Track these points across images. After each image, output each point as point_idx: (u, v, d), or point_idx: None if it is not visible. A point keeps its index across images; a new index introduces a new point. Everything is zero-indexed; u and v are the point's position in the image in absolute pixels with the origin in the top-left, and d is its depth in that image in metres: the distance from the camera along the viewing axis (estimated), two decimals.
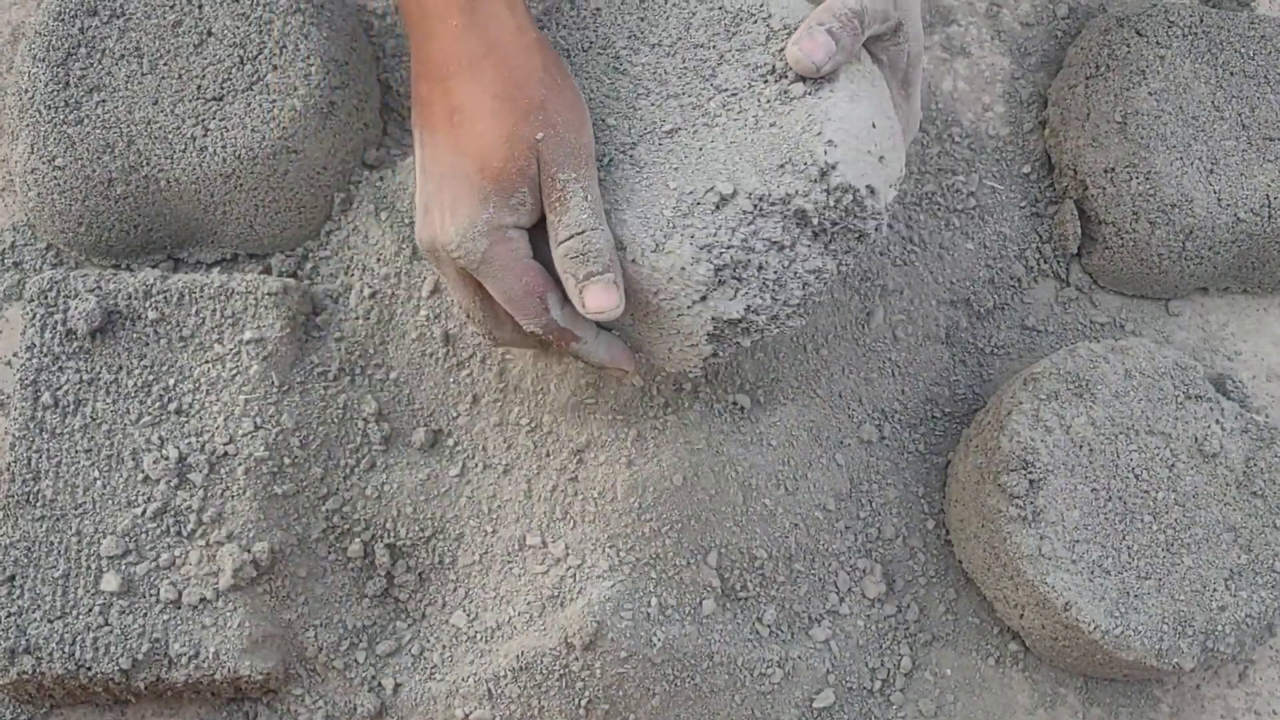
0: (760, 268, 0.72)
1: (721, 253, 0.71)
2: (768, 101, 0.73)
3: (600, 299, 0.71)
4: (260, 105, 0.92)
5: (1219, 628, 0.84)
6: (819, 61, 0.72)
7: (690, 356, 0.75)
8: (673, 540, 0.85)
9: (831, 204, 0.71)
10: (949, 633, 0.90)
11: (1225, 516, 0.87)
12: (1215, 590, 0.85)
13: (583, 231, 0.71)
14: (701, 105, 0.74)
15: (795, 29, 0.74)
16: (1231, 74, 1.01)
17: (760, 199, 0.71)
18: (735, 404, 0.89)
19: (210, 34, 0.93)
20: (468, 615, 0.85)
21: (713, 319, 0.72)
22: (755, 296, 0.72)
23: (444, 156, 0.73)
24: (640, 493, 0.85)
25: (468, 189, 0.72)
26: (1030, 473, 0.85)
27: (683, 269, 0.71)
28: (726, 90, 0.74)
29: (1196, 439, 0.88)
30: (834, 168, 0.71)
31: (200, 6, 0.94)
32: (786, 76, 0.74)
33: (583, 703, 0.81)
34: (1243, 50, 1.02)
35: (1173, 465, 0.87)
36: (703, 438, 0.86)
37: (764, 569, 0.87)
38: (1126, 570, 0.85)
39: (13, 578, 0.81)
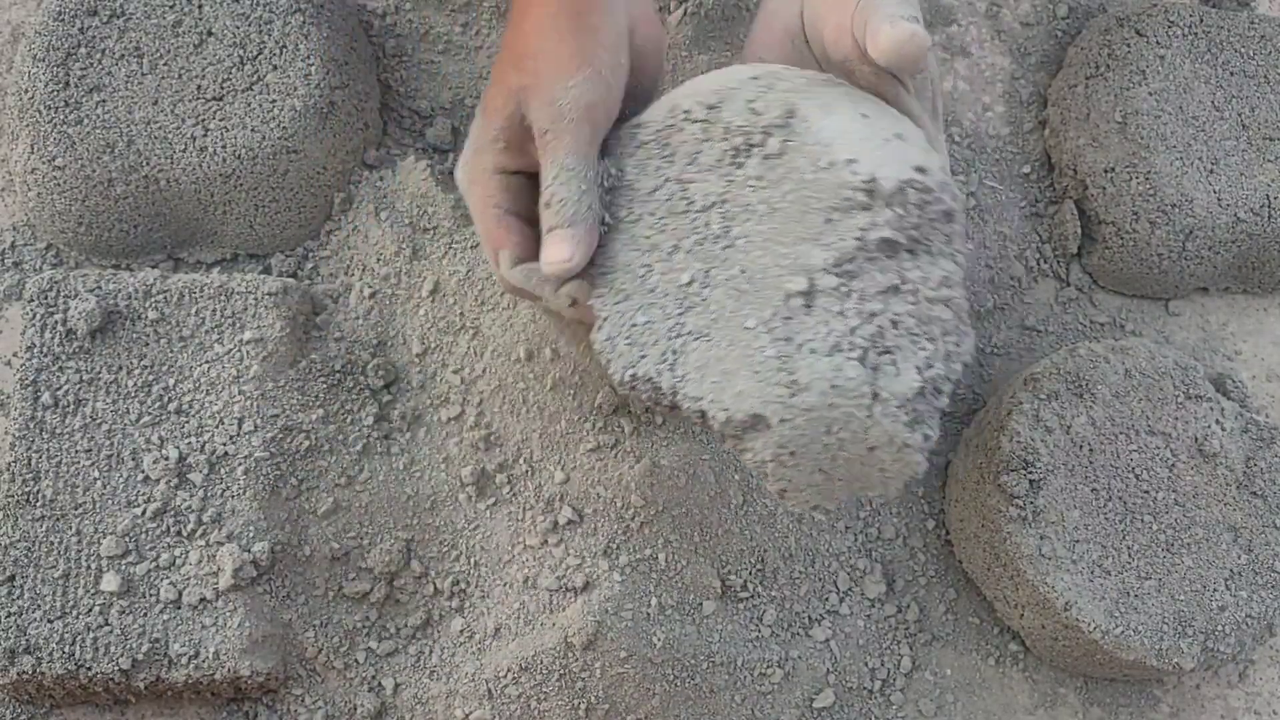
0: (895, 323, 0.61)
1: (852, 342, 0.60)
2: (757, 177, 0.65)
3: (551, 249, 0.67)
4: (260, 105, 0.92)
5: (1219, 628, 0.84)
6: (922, 44, 0.64)
7: (908, 460, 0.62)
8: (673, 540, 0.85)
9: (901, 211, 0.62)
10: (949, 633, 0.90)
11: (1225, 516, 0.87)
12: (1215, 590, 0.85)
13: (550, 184, 0.67)
14: (706, 235, 0.65)
15: (705, 104, 0.67)
16: (1231, 74, 1.01)
17: (839, 263, 0.61)
18: None
19: (210, 34, 0.93)
20: (467, 615, 0.85)
21: (898, 408, 0.60)
22: (915, 353, 0.61)
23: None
24: (640, 492, 0.85)
25: (472, 126, 0.73)
26: (1030, 473, 0.85)
27: (833, 387, 0.60)
28: (713, 204, 0.66)
29: (1196, 439, 0.88)
30: (874, 179, 0.62)
31: (200, 6, 0.94)
32: (753, 143, 0.65)
33: (583, 703, 0.81)
34: (1243, 50, 1.02)
35: (1173, 465, 0.87)
36: (704, 438, 0.86)
37: (764, 569, 0.87)
38: (1126, 570, 0.85)
39: (13, 578, 0.81)
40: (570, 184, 0.67)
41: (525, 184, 0.72)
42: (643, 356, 0.65)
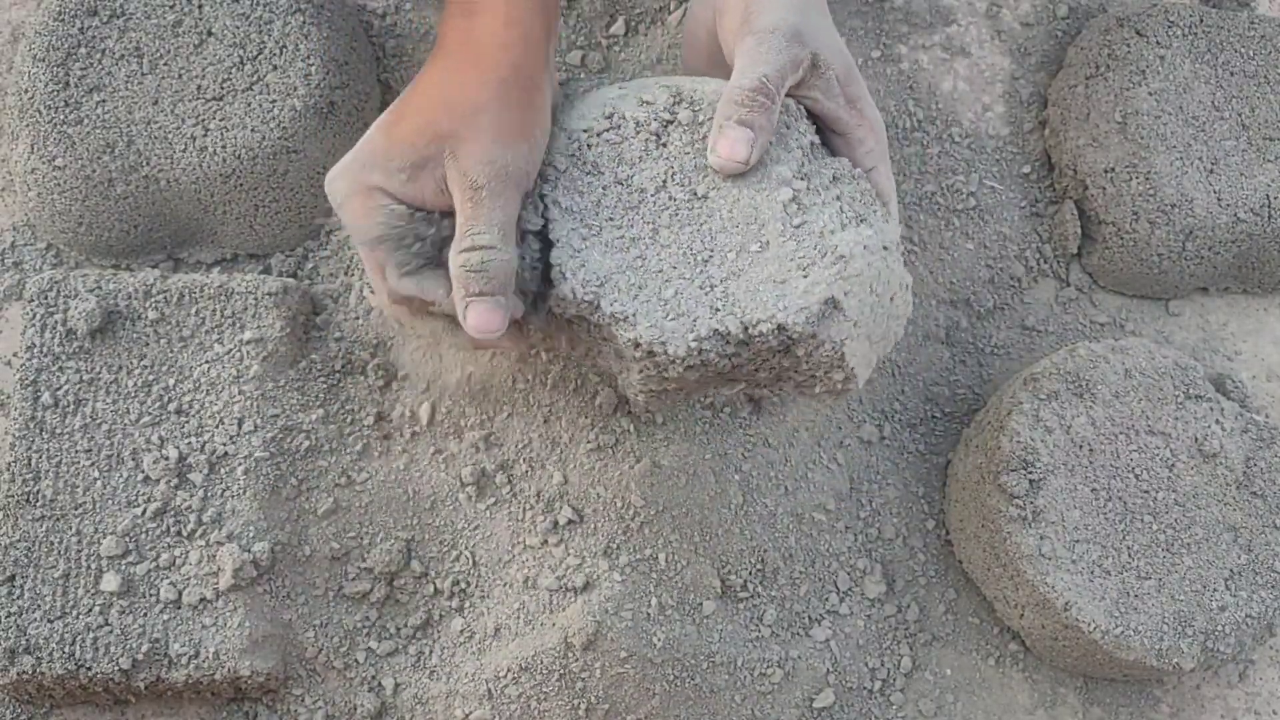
0: (851, 199, 0.72)
1: (846, 217, 0.71)
2: (688, 144, 0.73)
3: (483, 318, 0.69)
4: (260, 105, 0.92)
5: (1219, 628, 0.84)
6: (743, 158, 0.71)
7: (908, 300, 0.74)
8: (673, 540, 0.85)
9: (809, 122, 0.75)
10: (949, 633, 0.90)
11: (1225, 516, 0.87)
12: (1215, 590, 0.85)
13: (484, 248, 0.69)
14: (676, 206, 0.72)
15: (602, 116, 0.73)
16: (1231, 74, 1.01)
17: (799, 171, 0.72)
18: (737, 404, 0.89)
19: (210, 34, 0.93)
20: (467, 615, 0.85)
21: (898, 252, 0.72)
22: (876, 213, 0.72)
23: (383, 115, 0.75)
24: (640, 492, 0.85)
25: (367, 142, 0.73)
26: (1030, 473, 0.85)
27: (865, 249, 0.70)
28: (664, 183, 0.73)
29: (1196, 439, 0.88)
30: (785, 105, 0.74)
31: (200, 6, 0.94)
32: (667, 122, 0.74)
33: (583, 703, 0.81)
34: (1243, 50, 1.02)
35: (1173, 465, 0.87)
36: (704, 438, 0.86)
37: (764, 569, 0.87)
38: (1126, 570, 0.85)
39: (13, 578, 0.81)
40: (504, 248, 0.70)
41: (406, 211, 0.73)
42: (695, 319, 0.69)
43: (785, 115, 0.74)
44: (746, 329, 0.68)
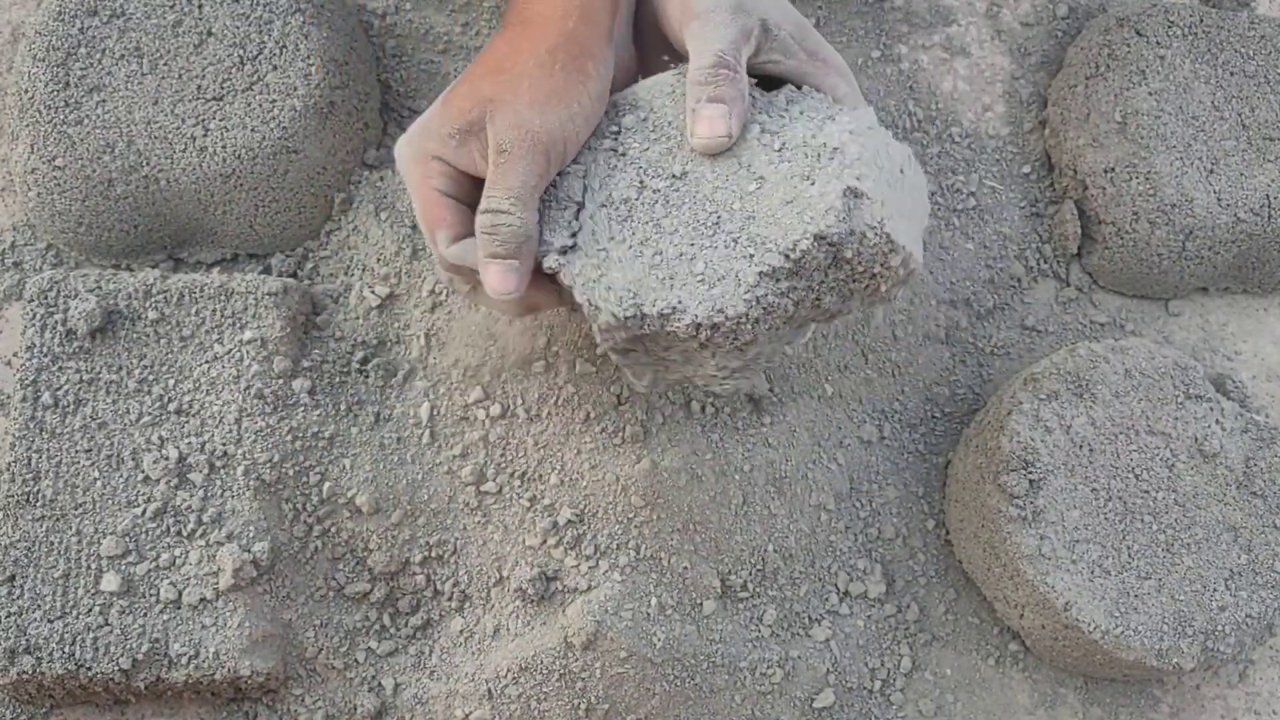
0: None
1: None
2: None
3: (496, 279, 0.71)
4: (260, 105, 0.92)
5: (1219, 628, 0.84)
6: (724, 132, 0.71)
7: (918, 174, 0.75)
8: (673, 540, 0.85)
9: None
10: (949, 633, 0.90)
11: (1225, 516, 0.87)
12: (1215, 590, 0.85)
13: (495, 211, 0.70)
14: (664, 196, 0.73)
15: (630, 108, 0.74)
16: (1231, 74, 1.01)
17: (768, 125, 0.73)
18: (737, 404, 0.89)
19: (210, 34, 0.93)
20: (467, 616, 0.85)
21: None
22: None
23: (450, 86, 0.77)
24: (640, 492, 0.85)
25: (429, 110, 0.75)
26: (1030, 473, 0.85)
27: (870, 129, 0.71)
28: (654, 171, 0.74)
29: (1196, 439, 0.88)
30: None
31: (200, 6, 0.94)
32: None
33: (583, 703, 0.81)
34: (1243, 50, 1.02)
35: (1173, 465, 0.87)
36: (704, 438, 0.86)
37: (764, 569, 0.87)
38: (1126, 570, 0.85)
39: (13, 578, 0.81)
40: (517, 213, 0.71)
41: (463, 177, 0.74)
42: (738, 274, 0.69)
43: None
44: (788, 255, 0.68)
